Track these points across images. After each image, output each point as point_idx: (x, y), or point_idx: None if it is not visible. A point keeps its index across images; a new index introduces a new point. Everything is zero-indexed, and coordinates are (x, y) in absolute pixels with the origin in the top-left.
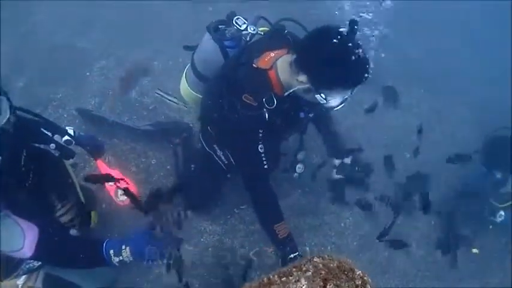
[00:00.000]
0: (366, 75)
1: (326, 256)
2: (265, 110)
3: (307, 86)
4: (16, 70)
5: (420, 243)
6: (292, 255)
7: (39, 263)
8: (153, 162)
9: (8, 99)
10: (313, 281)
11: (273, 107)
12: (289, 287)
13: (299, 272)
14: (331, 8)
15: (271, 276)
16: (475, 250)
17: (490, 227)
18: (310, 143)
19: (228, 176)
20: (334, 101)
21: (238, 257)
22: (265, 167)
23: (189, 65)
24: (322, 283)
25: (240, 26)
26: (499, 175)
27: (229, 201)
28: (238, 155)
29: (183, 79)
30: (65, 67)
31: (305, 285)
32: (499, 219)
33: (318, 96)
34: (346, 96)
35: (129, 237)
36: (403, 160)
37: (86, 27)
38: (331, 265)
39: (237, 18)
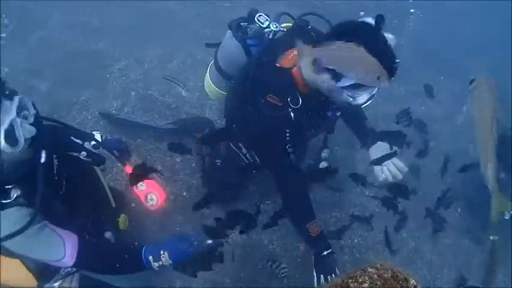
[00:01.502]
0: (393, 70)
1: (379, 266)
2: (290, 109)
3: (331, 84)
4: (37, 75)
5: (447, 232)
6: (325, 253)
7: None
8: (178, 160)
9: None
10: None
11: (299, 106)
12: None
13: (356, 284)
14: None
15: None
16: (492, 237)
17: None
18: (334, 139)
19: (254, 171)
20: (361, 98)
21: (267, 252)
22: (295, 166)
23: (212, 62)
24: None
25: (263, 23)
26: (502, 175)
27: (255, 197)
28: (266, 156)
29: (207, 76)
30: (86, 70)
31: None
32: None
33: (344, 95)
34: (374, 92)
35: (165, 242)
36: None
37: (101, 29)
38: (386, 275)
39: (259, 16)
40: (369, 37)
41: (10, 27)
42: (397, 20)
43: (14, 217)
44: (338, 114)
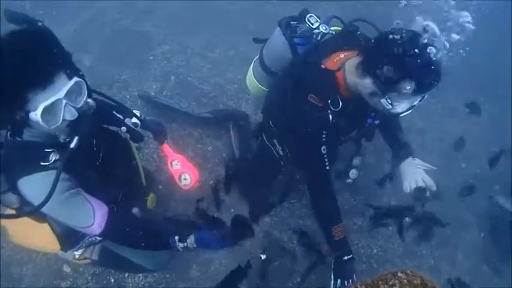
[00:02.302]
0: (435, 81)
1: (409, 272)
2: (330, 111)
3: (372, 89)
4: (82, 50)
5: (467, 254)
6: (346, 258)
7: (101, 238)
8: (209, 149)
9: (86, 82)
10: None
11: (338, 109)
12: None
13: (385, 286)
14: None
15: (358, 286)
16: None
17: None
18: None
19: (283, 169)
20: (400, 107)
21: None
22: (327, 168)
23: (257, 57)
24: None
25: (312, 24)
26: None
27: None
28: (300, 155)
29: (250, 71)
30: (129, 50)
31: None
32: None
33: (383, 101)
34: (415, 103)
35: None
36: (458, 170)
37: (148, 13)
38: (415, 281)
39: (310, 16)
40: (414, 46)
41: None
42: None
43: (49, 180)
44: (377, 122)
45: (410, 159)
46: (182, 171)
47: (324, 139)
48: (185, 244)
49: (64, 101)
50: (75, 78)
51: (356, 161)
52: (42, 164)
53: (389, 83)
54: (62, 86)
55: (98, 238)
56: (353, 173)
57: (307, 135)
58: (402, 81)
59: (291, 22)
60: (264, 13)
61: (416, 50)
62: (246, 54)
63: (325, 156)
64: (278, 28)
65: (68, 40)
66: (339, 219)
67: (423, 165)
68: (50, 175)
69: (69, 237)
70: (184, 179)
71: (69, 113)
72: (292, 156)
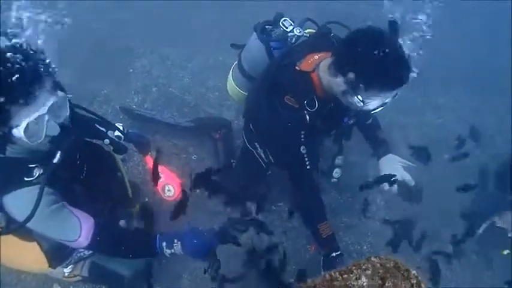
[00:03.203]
0: (404, 78)
1: (383, 257)
2: (306, 112)
3: (344, 88)
4: (62, 66)
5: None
6: (334, 254)
7: (90, 252)
8: (193, 158)
9: (68, 97)
10: (372, 278)
11: (315, 109)
12: (351, 284)
13: (359, 270)
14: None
15: (332, 273)
16: (506, 252)
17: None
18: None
19: (268, 173)
20: (372, 104)
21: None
22: (308, 167)
23: (235, 63)
24: (380, 281)
25: (287, 28)
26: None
27: (267, 198)
28: (281, 156)
29: (230, 77)
30: (109, 64)
31: (365, 283)
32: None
33: (355, 99)
34: (386, 101)
35: (180, 233)
36: (441, 162)
37: (126, 27)
38: (388, 265)
39: (284, 20)
40: (382, 44)
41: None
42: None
43: (33, 195)
44: (351, 121)
45: (389, 155)
46: (166, 182)
47: (302, 139)
48: (172, 250)
49: (47, 117)
50: (58, 94)
51: (338, 160)
52: (26, 179)
53: (359, 81)
54: (45, 102)
55: (87, 253)
56: (337, 172)
57: (285, 136)
58: (371, 79)
59: (266, 26)
60: (242, 22)
61: (384, 47)
62: (225, 62)
63: (306, 156)
64: (254, 33)
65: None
66: (324, 217)
67: (402, 162)
68: (34, 190)
69: (57, 252)
70: (168, 190)
71: (51, 129)
72: (273, 158)
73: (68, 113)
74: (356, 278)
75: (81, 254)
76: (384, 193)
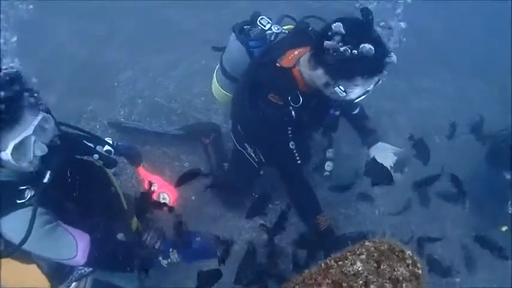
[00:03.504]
0: (383, 64)
1: (376, 240)
2: (291, 108)
3: (325, 80)
4: (46, 86)
5: (454, 226)
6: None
7: (90, 269)
8: (186, 165)
9: (53, 116)
10: (367, 262)
11: (299, 104)
12: (346, 270)
13: (354, 256)
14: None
15: (328, 261)
16: (504, 228)
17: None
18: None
19: (261, 172)
20: (354, 93)
21: (278, 250)
22: (299, 162)
23: (218, 65)
24: (376, 264)
25: (265, 26)
26: (508, 176)
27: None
28: (271, 154)
29: (214, 80)
30: (93, 80)
31: (361, 267)
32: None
33: (337, 89)
34: (369, 88)
35: (175, 240)
36: (433, 144)
37: (108, 40)
38: (382, 248)
39: (261, 18)
40: (358, 32)
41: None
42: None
43: (26, 217)
44: (337, 113)
45: (379, 144)
46: (160, 191)
47: (290, 135)
48: (169, 260)
49: (33, 137)
50: (42, 114)
51: (329, 153)
52: (18, 202)
53: (338, 71)
54: (30, 123)
55: (87, 270)
56: (328, 165)
57: (273, 134)
58: (350, 68)
59: (245, 26)
60: (222, 25)
61: (359, 35)
62: (208, 66)
63: (295, 151)
64: (233, 34)
65: (31, 80)
66: (319, 209)
67: (392, 149)
68: (27, 212)
69: (57, 272)
70: (163, 198)
71: (39, 149)
72: (263, 156)
73: (54, 132)
74: (351, 264)
75: (82, 271)
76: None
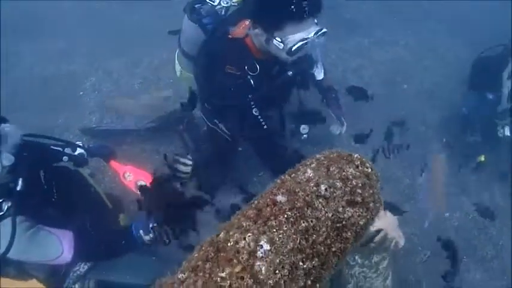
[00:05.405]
0: (308, 8)
1: (327, 152)
2: (249, 76)
3: (264, 37)
4: (13, 106)
5: None
6: None
7: (85, 268)
8: None
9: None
10: (317, 169)
11: (257, 72)
12: (299, 178)
13: (305, 167)
14: None
15: (282, 176)
16: (482, 157)
17: None
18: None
19: (240, 149)
20: (292, 41)
21: None
22: (265, 127)
23: (178, 49)
24: (325, 169)
25: (214, 2)
26: (490, 96)
27: (246, 171)
28: (238, 124)
29: (176, 63)
30: (59, 93)
31: (311, 173)
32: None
33: (275, 42)
34: (309, 36)
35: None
36: (402, 92)
37: (64, 52)
38: (332, 155)
39: None
40: None
41: None
42: None
43: (8, 228)
44: (290, 73)
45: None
46: (136, 179)
47: (252, 102)
48: (151, 235)
49: None
50: (2, 125)
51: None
52: None
53: (267, 21)
54: None
55: (83, 270)
56: (304, 128)
57: (236, 104)
58: (276, 16)
59: (195, 6)
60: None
61: None
62: (170, 59)
63: (260, 117)
64: (185, 15)
65: None
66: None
67: None
68: (8, 223)
69: (52, 278)
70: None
71: (6, 159)
72: (232, 128)
73: (17, 141)
74: (303, 173)
75: (78, 272)
76: None
